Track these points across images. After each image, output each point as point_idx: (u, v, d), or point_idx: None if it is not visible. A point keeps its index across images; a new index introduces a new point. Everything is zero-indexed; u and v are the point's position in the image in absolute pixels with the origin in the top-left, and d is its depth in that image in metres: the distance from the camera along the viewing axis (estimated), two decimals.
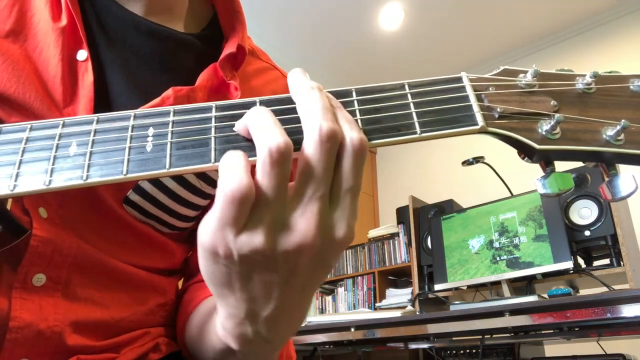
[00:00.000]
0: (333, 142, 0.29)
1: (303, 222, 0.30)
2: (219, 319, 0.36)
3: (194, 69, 0.51)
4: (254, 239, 0.29)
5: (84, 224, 0.45)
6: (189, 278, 0.58)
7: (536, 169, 0.31)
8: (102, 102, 0.46)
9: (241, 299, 0.32)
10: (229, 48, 0.53)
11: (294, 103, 0.33)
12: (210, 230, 0.30)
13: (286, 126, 0.32)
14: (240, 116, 0.33)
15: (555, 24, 3.51)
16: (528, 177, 1.75)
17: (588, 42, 3.45)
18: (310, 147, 0.29)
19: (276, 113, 0.33)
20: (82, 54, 0.46)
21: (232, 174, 0.28)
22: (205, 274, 0.32)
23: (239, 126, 0.32)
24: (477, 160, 2.04)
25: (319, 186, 0.30)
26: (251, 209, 0.29)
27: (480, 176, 2.57)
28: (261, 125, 0.30)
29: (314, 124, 0.29)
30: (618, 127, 0.29)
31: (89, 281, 0.45)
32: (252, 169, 0.30)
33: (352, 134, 0.30)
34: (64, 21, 0.46)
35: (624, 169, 0.30)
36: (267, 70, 0.63)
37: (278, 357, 0.47)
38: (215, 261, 0.30)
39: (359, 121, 0.32)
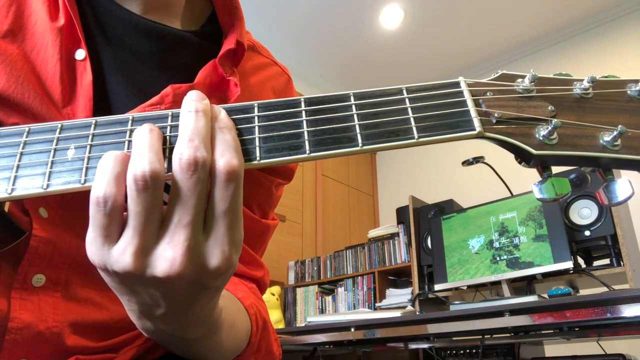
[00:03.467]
0: (194, 170, 0.29)
1: (170, 251, 0.29)
2: None
3: (193, 67, 0.51)
4: (124, 259, 0.29)
5: (85, 224, 0.45)
6: None
7: (536, 170, 0.31)
8: (101, 102, 0.46)
9: (131, 301, 0.33)
10: (228, 44, 0.52)
11: (294, 107, 0.33)
12: (88, 239, 0.30)
13: (285, 132, 0.32)
14: (239, 121, 0.33)
15: (555, 24, 3.50)
16: (528, 177, 1.75)
17: (588, 42, 3.45)
18: (176, 173, 0.29)
19: (274, 118, 0.33)
20: (81, 54, 0.46)
21: (99, 176, 0.29)
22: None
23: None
24: (477, 160, 2.04)
25: (184, 214, 0.29)
26: (124, 226, 0.29)
27: (480, 176, 2.57)
28: (135, 147, 0.29)
29: (177, 151, 0.29)
30: (615, 133, 0.29)
31: (89, 281, 0.45)
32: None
33: (221, 159, 0.29)
34: (61, 21, 0.46)
35: (620, 174, 0.30)
36: (267, 66, 0.63)
37: (257, 345, 0.48)
38: (97, 268, 0.31)
39: (357, 126, 0.32)
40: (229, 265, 0.30)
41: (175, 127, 0.33)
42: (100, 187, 0.28)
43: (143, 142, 0.30)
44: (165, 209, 0.30)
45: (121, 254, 0.29)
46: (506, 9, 3.34)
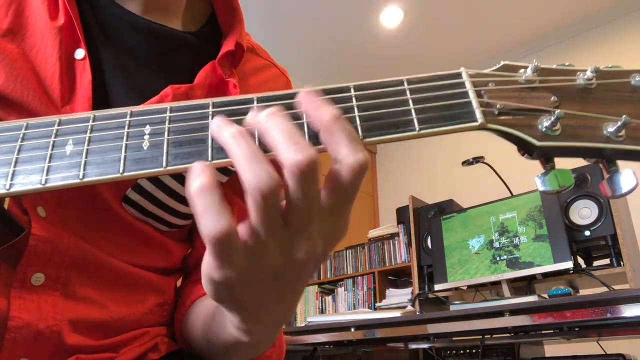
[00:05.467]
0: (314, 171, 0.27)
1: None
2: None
3: (192, 68, 0.51)
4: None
5: (83, 223, 0.45)
6: (187, 276, 0.58)
7: (536, 169, 0.31)
8: (101, 101, 0.46)
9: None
10: (228, 46, 0.53)
11: (293, 98, 0.32)
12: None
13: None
14: (237, 113, 0.33)
15: (555, 23, 3.51)
16: (528, 177, 1.74)
17: (589, 42, 3.45)
18: (291, 181, 0.27)
19: None
20: (80, 53, 0.46)
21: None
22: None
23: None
24: (477, 160, 2.04)
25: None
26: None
27: (480, 176, 2.56)
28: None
29: (286, 157, 0.27)
30: (619, 123, 0.29)
31: (88, 280, 0.45)
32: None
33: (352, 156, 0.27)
34: (61, 20, 0.46)
35: (624, 165, 0.30)
36: (266, 68, 0.63)
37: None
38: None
39: (357, 118, 0.31)
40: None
41: (174, 121, 0.33)
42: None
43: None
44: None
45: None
46: (506, 8, 3.34)
